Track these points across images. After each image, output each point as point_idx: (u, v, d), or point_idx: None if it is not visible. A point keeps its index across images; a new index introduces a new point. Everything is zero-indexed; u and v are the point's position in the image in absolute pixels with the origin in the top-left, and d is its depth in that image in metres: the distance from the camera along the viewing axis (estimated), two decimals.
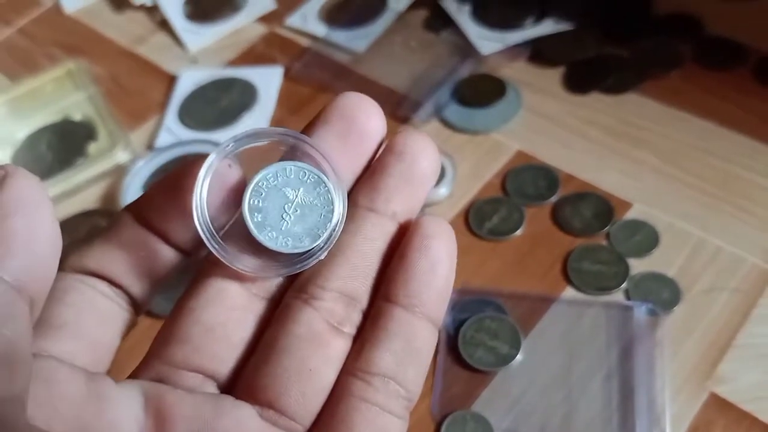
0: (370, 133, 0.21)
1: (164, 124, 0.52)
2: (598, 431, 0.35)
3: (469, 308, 0.40)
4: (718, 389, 0.36)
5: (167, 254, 0.20)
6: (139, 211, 0.20)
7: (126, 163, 0.49)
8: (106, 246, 0.20)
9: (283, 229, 0.20)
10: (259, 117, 0.52)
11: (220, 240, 0.20)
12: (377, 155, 0.21)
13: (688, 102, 0.47)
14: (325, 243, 0.20)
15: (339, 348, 0.20)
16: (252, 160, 0.21)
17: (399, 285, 0.20)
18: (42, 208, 0.17)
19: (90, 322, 0.19)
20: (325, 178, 0.20)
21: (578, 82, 0.50)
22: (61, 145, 0.51)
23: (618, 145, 0.46)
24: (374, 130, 0.21)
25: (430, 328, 0.21)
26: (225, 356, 0.20)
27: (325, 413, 0.20)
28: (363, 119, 0.21)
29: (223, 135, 0.51)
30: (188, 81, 0.54)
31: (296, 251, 0.20)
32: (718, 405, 0.35)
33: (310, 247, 0.20)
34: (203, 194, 0.20)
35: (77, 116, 0.53)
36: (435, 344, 0.21)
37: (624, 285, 0.39)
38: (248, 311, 0.20)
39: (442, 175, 0.45)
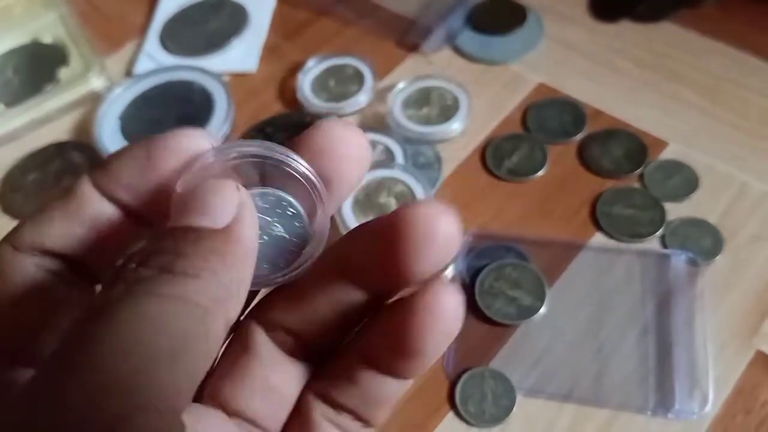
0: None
1: (144, 49, 0.47)
2: (633, 393, 0.31)
3: (486, 255, 0.36)
4: (765, 347, 0.32)
5: (132, 228, 0.18)
6: (102, 182, 0.18)
7: (101, 90, 0.44)
8: (66, 222, 0.18)
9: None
10: (250, 42, 0.46)
11: None
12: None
13: (727, 33, 0.43)
14: (283, 276, 0.18)
15: (299, 370, 0.19)
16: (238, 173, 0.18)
17: (380, 349, 0.18)
18: None
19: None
20: (305, 217, 0.18)
21: (606, 9, 0.45)
22: (30, 70, 0.46)
23: (651, 78, 0.42)
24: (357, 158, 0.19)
25: (399, 383, 0.19)
26: None
27: (291, 424, 0.19)
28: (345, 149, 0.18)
29: (210, 61, 0.46)
30: (171, 2, 0.49)
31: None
32: (766, 364, 0.32)
33: (268, 274, 0.18)
34: None
35: (47, 38, 0.48)
36: (404, 390, 0.19)
37: (660, 231, 0.36)
38: None
39: (455, 108, 0.41)
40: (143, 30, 0.48)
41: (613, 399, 0.31)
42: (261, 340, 0.19)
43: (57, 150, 0.42)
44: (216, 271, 0.16)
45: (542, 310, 0.34)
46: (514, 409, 0.31)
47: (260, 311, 0.20)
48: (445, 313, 0.17)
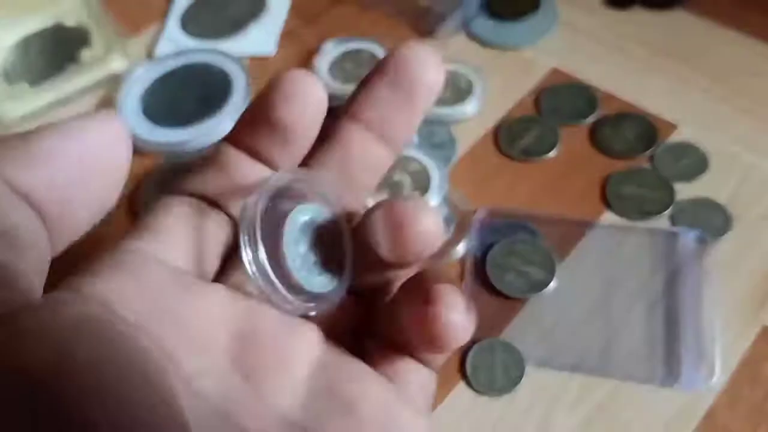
0: (425, 84, 0.21)
1: (165, 32, 0.48)
2: (641, 364, 0.32)
3: (498, 231, 0.36)
4: None
5: (260, 172, 0.21)
6: (234, 135, 0.21)
7: (122, 71, 0.45)
8: (203, 170, 0.21)
9: (314, 270, 0.20)
10: (269, 27, 0.47)
11: (280, 284, 0.19)
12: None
13: (738, 20, 0.43)
14: (343, 282, 0.21)
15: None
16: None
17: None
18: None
19: (187, 231, 0.20)
20: (334, 219, 0.21)
21: None
22: (53, 52, 0.47)
23: (662, 64, 0.42)
24: (430, 82, 0.21)
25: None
26: None
27: None
28: (418, 71, 0.21)
29: (230, 45, 0.46)
30: None
31: (325, 291, 0.21)
32: None
33: (337, 287, 0.21)
34: (258, 243, 0.19)
35: (70, 22, 0.49)
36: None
37: (669, 210, 0.36)
38: None
39: (468, 92, 0.42)
40: (164, 13, 0.49)
41: (620, 370, 0.32)
42: None
43: None
44: None
45: (552, 284, 0.34)
46: (523, 379, 0.32)
47: None
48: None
